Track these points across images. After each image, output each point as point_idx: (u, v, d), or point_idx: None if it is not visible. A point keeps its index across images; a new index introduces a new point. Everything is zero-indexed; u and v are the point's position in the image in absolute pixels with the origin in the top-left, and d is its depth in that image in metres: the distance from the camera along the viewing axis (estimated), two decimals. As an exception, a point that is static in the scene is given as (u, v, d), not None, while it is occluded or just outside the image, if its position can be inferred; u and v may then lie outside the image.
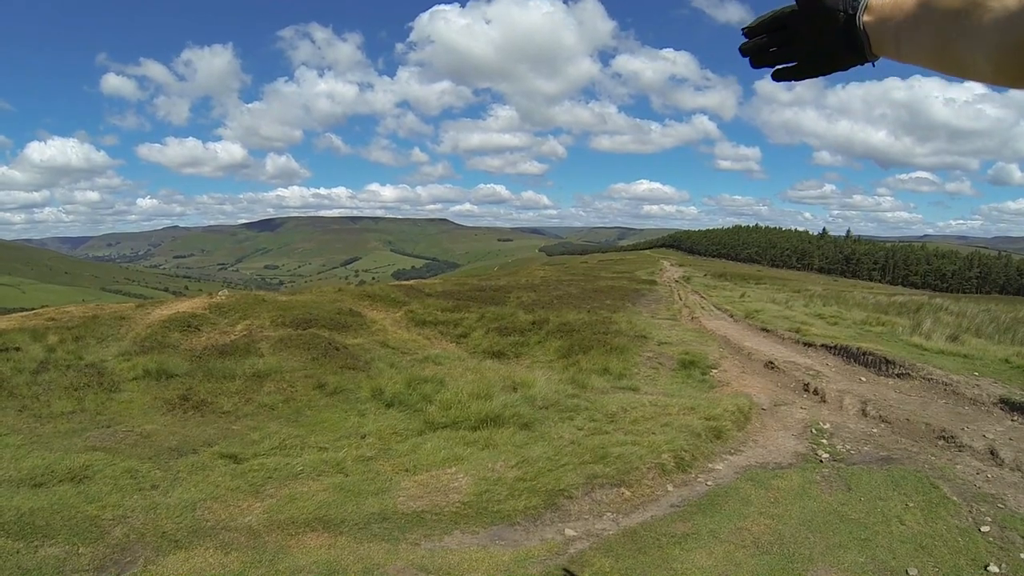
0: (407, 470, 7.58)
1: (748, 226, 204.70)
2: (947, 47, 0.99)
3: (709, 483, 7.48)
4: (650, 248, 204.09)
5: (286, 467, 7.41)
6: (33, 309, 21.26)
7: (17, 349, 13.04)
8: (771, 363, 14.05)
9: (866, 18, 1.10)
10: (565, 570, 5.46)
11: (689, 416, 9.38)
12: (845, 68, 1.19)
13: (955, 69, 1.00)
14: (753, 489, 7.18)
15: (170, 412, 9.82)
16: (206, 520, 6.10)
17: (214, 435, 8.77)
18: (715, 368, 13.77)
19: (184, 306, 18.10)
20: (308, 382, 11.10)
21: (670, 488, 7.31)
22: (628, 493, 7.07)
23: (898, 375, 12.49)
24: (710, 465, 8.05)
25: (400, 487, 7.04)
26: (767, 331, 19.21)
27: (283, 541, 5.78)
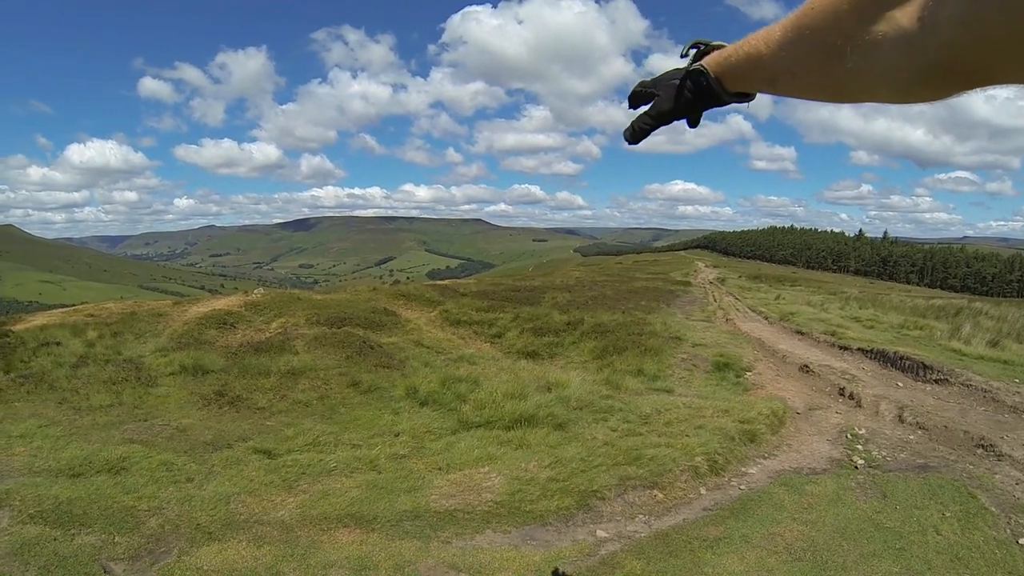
0: (440, 468, 7.61)
1: (783, 227, 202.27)
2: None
3: (742, 487, 7.45)
4: (685, 249, 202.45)
5: (319, 463, 7.48)
6: (73, 305, 21.74)
7: (58, 344, 13.35)
8: (806, 366, 13.87)
9: (707, 63, 1.17)
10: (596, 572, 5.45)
11: (723, 419, 9.32)
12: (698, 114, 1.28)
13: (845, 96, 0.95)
14: (787, 494, 7.12)
15: (206, 407, 9.98)
16: (240, 513, 6.19)
17: (249, 430, 8.91)
18: (749, 371, 13.65)
19: (220, 304, 18.41)
20: (342, 380, 11.19)
21: (703, 491, 7.29)
22: (661, 495, 7.04)
23: (936, 381, 12.23)
24: (743, 469, 8.01)
25: (433, 485, 7.06)
26: (802, 334, 19.01)
27: (315, 536, 5.85)
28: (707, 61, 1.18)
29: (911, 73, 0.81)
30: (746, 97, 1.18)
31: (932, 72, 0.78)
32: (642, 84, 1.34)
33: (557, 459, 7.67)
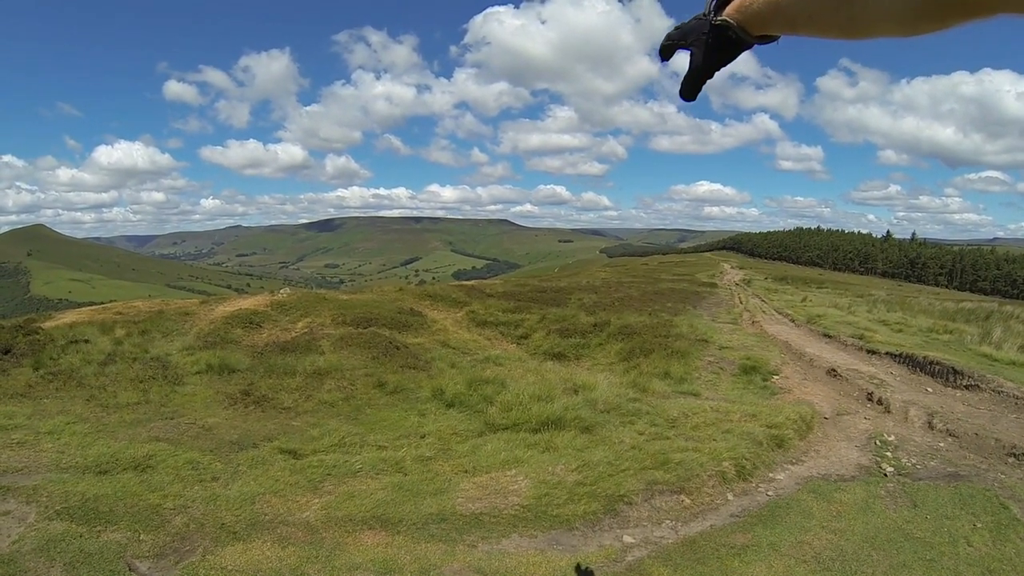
0: (466, 471, 7.61)
1: (810, 228, 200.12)
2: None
3: (770, 493, 7.41)
4: (710, 251, 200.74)
5: (345, 464, 7.52)
6: (102, 304, 22.03)
7: (86, 341, 13.55)
8: (833, 370, 13.78)
9: (730, 13, 1.24)
10: None
11: (751, 423, 9.31)
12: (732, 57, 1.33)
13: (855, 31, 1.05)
14: (815, 502, 7.07)
15: (231, 406, 10.08)
16: (264, 514, 6.23)
17: (274, 430, 8.97)
18: (776, 374, 13.60)
19: (246, 303, 18.60)
20: (368, 380, 11.24)
21: (730, 497, 7.28)
22: (688, 501, 7.05)
23: (966, 386, 12.12)
24: (771, 475, 7.97)
25: (459, 488, 7.06)
26: (829, 337, 18.91)
27: (340, 538, 5.86)
28: (729, 10, 1.26)
29: (915, 5, 0.91)
30: (770, 39, 1.25)
31: (933, 3, 0.89)
32: (668, 37, 1.38)
33: (584, 463, 7.65)
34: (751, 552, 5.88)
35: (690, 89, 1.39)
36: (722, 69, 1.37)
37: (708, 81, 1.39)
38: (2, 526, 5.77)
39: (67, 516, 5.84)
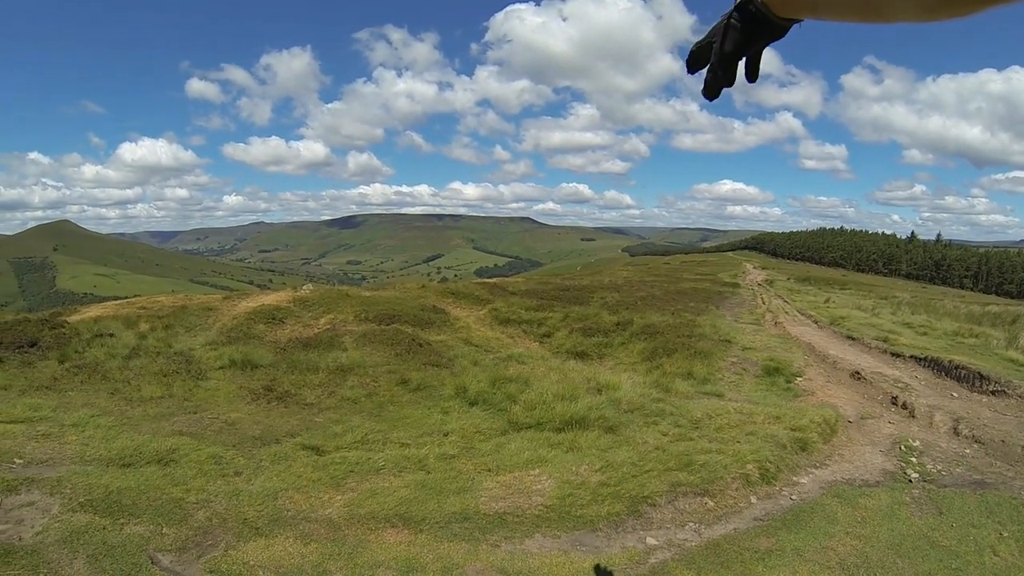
0: (490, 470, 7.61)
1: (833, 229, 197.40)
2: None
3: (793, 497, 7.37)
4: (733, 250, 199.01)
5: (368, 462, 7.52)
6: (126, 298, 22.24)
7: (111, 335, 13.68)
8: (857, 373, 13.71)
9: None
10: None
11: (774, 426, 9.29)
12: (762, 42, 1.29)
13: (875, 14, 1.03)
14: (839, 507, 7.03)
15: (254, 402, 10.14)
16: (287, 510, 6.24)
17: (297, 426, 9.02)
18: (800, 376, 13.52)
19: (269, 299, 18.72)
20: (391, 377, 11.26)
21: (754, 500, 7.25)
22: (711, 503, 7.03)
23: (993, 392, 11.92)
24: (795, 478, 7.92)
25: (482, 487, 7.06)
26: (853, 339, 18.70)
27: (362, 535, 5.86)
28: None
29: None
30: (793, 21, 1.23)
31: None
32: (696, 44, 1.37)
33: (608, 463, 7.64)
34: (775, 557, 5.84)
35: (710, 86, 1.36)
36: (735, 67, 1.33)
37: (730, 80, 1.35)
38: (26, 517, 5.82)
39: (90, 508, 5.87)
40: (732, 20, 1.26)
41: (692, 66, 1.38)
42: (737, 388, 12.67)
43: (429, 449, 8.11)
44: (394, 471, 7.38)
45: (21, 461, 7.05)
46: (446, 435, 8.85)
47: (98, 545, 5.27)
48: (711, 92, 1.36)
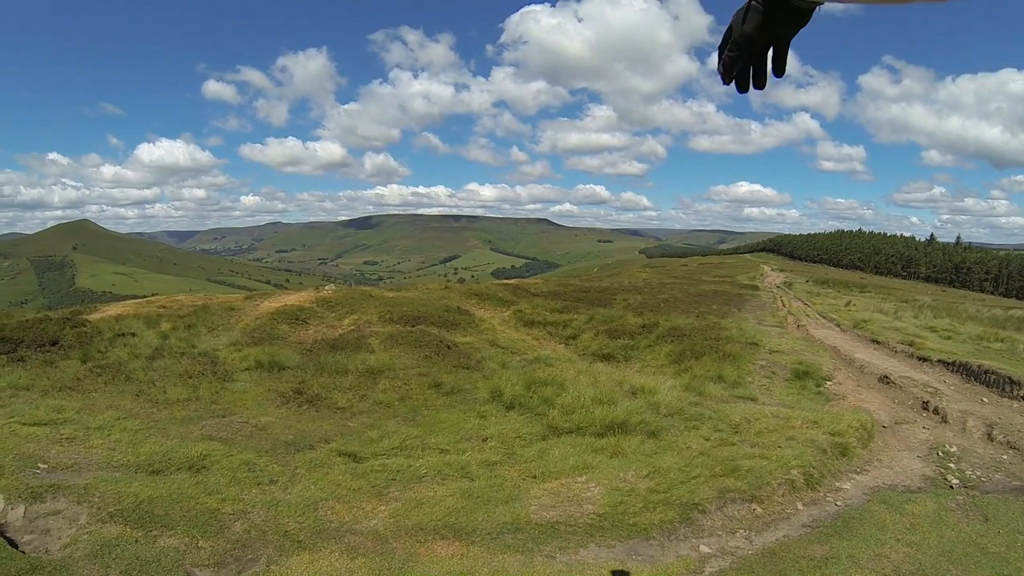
0: (535, 477, 7.41)
1: (851, 231, 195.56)
2: None
3: (838, 503, 7.33)
4: (750, 252, 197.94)
5: (408, 469, 7.29)
6: (145, 296, 22.20)
7: (133, 335, 13.55)
8: (886, 377, 13.64)
9: None
10: None
11: (813, 430, 9.16)
12: (789, 26, 1.28)
13: None
14: (887, 513, 6.91)
15: (284, 405, 9.91)
16: (329, 521, 5.97)
17: (330, 431, 8.77)
18: (829, 380, 13.52)
19: (291, 299, 18.58)
20: (423, 380, 11.02)
21: (799, 506, 7.18)
22: (759, 509, 6.94)
23: (1023, 397, 11.80)
24: (837, 484, 7.88)
25: (530, 495, 6.86)
26: (878, 343, 18.69)
27: (412, 548, 5.59)
28: None
29: None
30: (814, 4, 1.21)
31: None
32: (719, 49, 1.38)
33: (655, 469, 7.50)
34: (831, 565, 5.73)
35: (727, 67, 1.36)
36: (755, 51, 1.33)
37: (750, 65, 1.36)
38: (52, 527, 5.59)
39: (121, 519, 5.62)
40: (754, 3, 1.26)
41: (728, 71, 1.37)
42: (768, 392, 12.57)
43: (470, 455, 7.92)
44: (437, 479, 7.16)
45: (45, 466, 6.83)
46: (485, 440, 8.66)
47: (131, 560, 5.01)
48: (727, 73, 1.37)
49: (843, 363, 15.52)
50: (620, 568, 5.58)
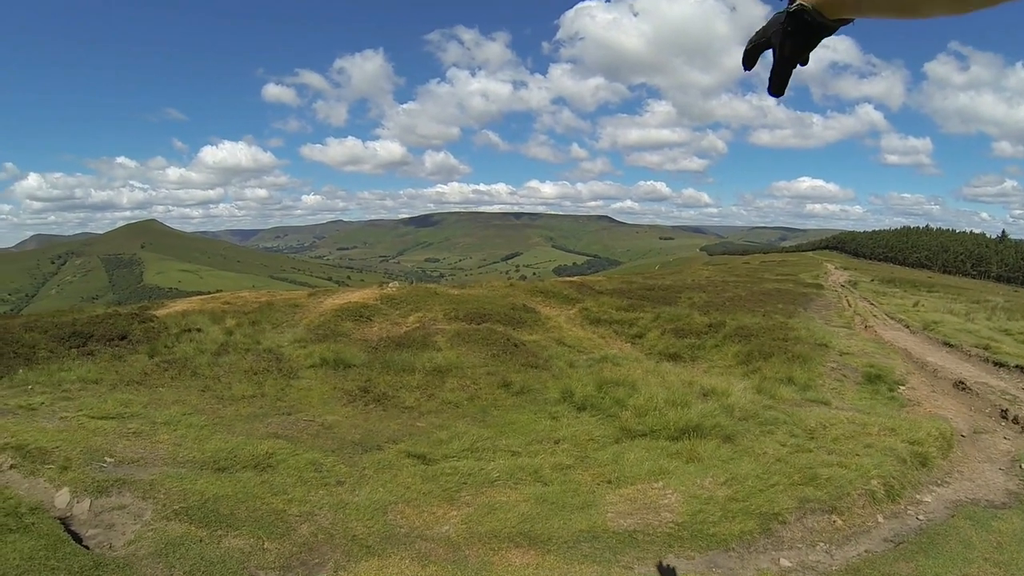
0: (609, 482, 7.20)
1: (917, 228, 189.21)
2: None
3: (920, 517, 7.07)
4: (812, 250, 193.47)
5: (480, 472, 7.08)
6: (210, 293, 22.61)
7: (199, 330, 13.71)
8: (961, 383, 13.13)
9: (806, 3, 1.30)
10: None
11: (891, 438, 8.86)
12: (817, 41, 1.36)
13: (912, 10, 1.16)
14: (973, 530, 6.63)
15: (350, 403, 9.82)
16: (399, 526, 5.80)
17: (398, 431, 8.63)
18: (902, 384, 13.08)
19: (355, 296, 18.60)
20: (491, 380, 10.84)
21: (880, 519, 6.92)
22: (840, 522, 6.70)
23: None
24: (918, 496, 7.61)
25: (606, 501, 6.64)
26: (950, 346, 17.95)
27: (485, 556, 5.38)
28: None
29: None
30: (845, 21, 1.30)
31: None
32: (750, 41, 1.44)
33: (732, 475, 7.30)
34: None
35: (777, 83, 1.41)
36: (804, 59, 1.38)
37: (793, 70, 1.41)
38: (117, 522, 5.54)
39: (186, 517, 5.53)
40: (787, 28, 1.33)
41: (749, 62, 1.46)
42: (840, 395, 12.21)
43: (543, 458, 7.70)
44: (509, 483, 6.95)
45: (112, 460, 6.82)
46: (557, 443, 8.44)
47: (195, 560, 4.90)
48: (776, 89, 1.41)
49: (915, 367, 15.06)
50: None
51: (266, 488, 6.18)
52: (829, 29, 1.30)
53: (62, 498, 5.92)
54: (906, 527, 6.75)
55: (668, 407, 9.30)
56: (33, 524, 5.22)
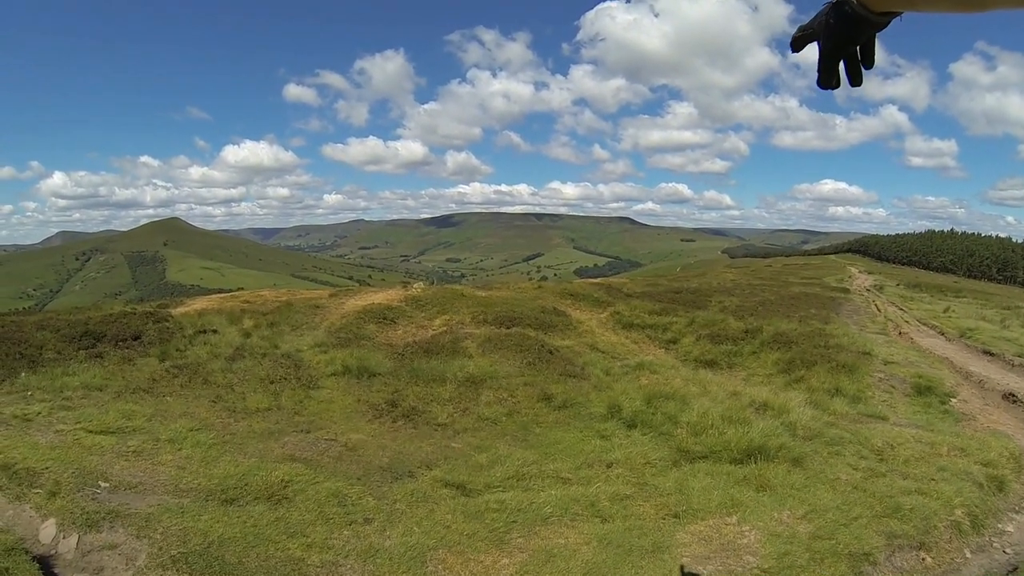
0: (676, 516, 6.47)
1: (942, 231, 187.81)
2: None
3: (1007, 551, 6.57)
4: (835, 253, 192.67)
5: (530, 507, 6.19)
6: (231, 291, 22.17)
7: (215, 332, 13.12)
8: (1012, 395, 12.67)
9: None
10: None
11: (963, 460, 8.36)
12: (863, 36, 1.37)
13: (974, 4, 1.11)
14: None
15: (376, 419, 8.99)
16: (441, 580, 4.82)
17: (432, 454, 7.75)
18: (954, 396, 12.56)
19: (378, 297, 17.95)
20: (529, 392, 9.97)
21: (968, 554, 6.47)
22: (929, 559, 6.22)
23: None
24: (999, 525, 7.09)
25: (677, 541, 5.88)
26: (991, 355, 17.48)
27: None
28: None
29: None
30: (893, 15, 1.28)
31: None
32: (800, 29, 1.46)
33: (811, 508, 6.66)
34: None
35: (825, 76, 1.41)
36: (869, 61, 1.39)
37: (841, 64, 1.40)
38: (107, 564, 4.76)
39: (185, 565, 4.67)
40: (830, 20, 1.34)
41: (797, 48, 1.46)
42: (892, 408, 11.62)
43: (598, 487, 6.85)
44: (565, 519, 6.06)
45: (107, 485, 6.03)
46: (610, 466, 7.61)
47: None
48: (825, 82, 1.42)
49: (961, 377, 14.49)
50: None
51: (281, 528, 5.29)
52: (874, 23, 1.29)
53: (47, 532, 5.16)
54: (995, 562, 6.30)
55: (726, 424, 8.52)
56: (8, 570, 4.38)
